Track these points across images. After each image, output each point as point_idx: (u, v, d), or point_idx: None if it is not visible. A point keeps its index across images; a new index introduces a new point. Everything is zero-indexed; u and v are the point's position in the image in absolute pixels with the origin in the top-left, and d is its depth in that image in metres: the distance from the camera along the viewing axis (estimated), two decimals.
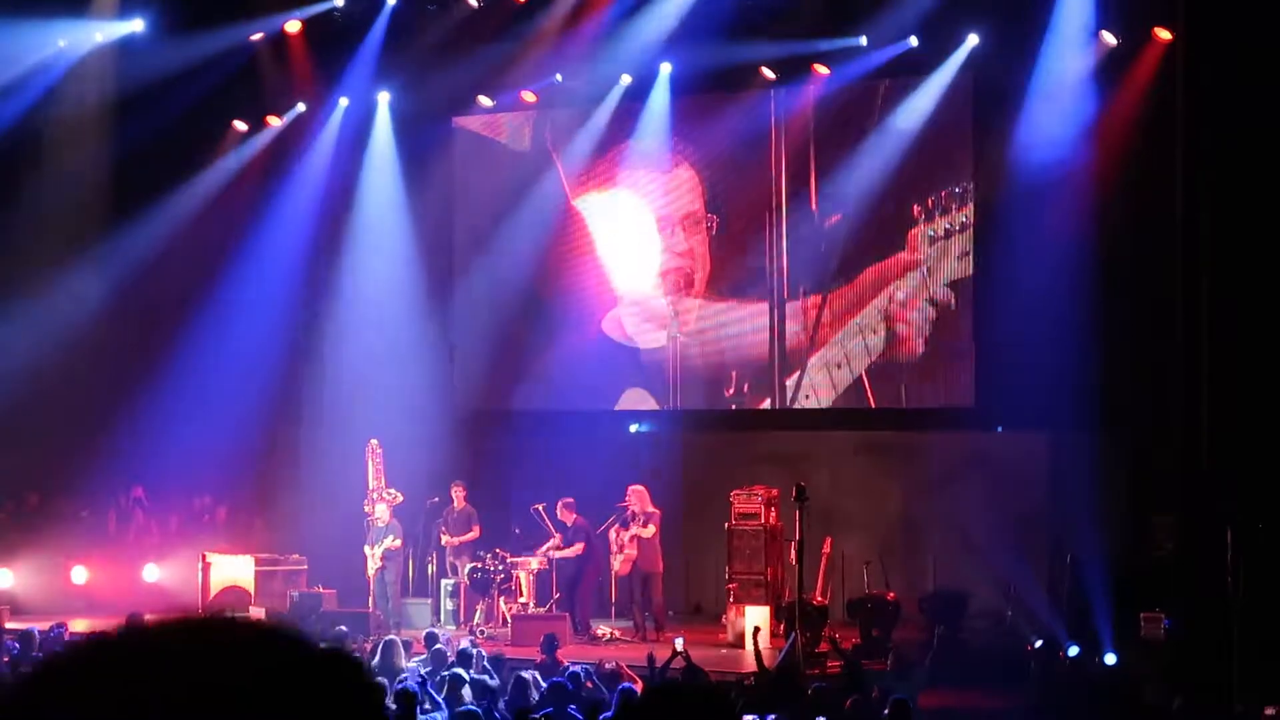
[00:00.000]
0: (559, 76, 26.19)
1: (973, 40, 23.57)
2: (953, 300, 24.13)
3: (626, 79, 25.87)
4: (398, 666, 17.37)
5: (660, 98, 25.74)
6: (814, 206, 25.02)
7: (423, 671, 17.11)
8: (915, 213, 24.29)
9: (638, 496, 23.21)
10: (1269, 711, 11.08)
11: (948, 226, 24.15)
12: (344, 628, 20.16)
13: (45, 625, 20.02)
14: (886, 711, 14.02)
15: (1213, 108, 20.39)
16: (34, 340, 26.02)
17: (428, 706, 14.85)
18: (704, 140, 25.84)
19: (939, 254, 24.20)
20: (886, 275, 24.56)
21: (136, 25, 26.65)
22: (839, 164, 24.71)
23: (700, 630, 22.83)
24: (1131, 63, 22.43)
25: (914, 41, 23.99)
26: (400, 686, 14.57)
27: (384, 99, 27.20)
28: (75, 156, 26.52)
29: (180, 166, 27.05)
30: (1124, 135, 22.19)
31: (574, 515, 23.66)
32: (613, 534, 23.30)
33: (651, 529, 23.09)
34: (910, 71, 24.21)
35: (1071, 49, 22.78)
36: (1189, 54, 21.03)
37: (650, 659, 17.36)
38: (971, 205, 23.88)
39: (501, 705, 15.22)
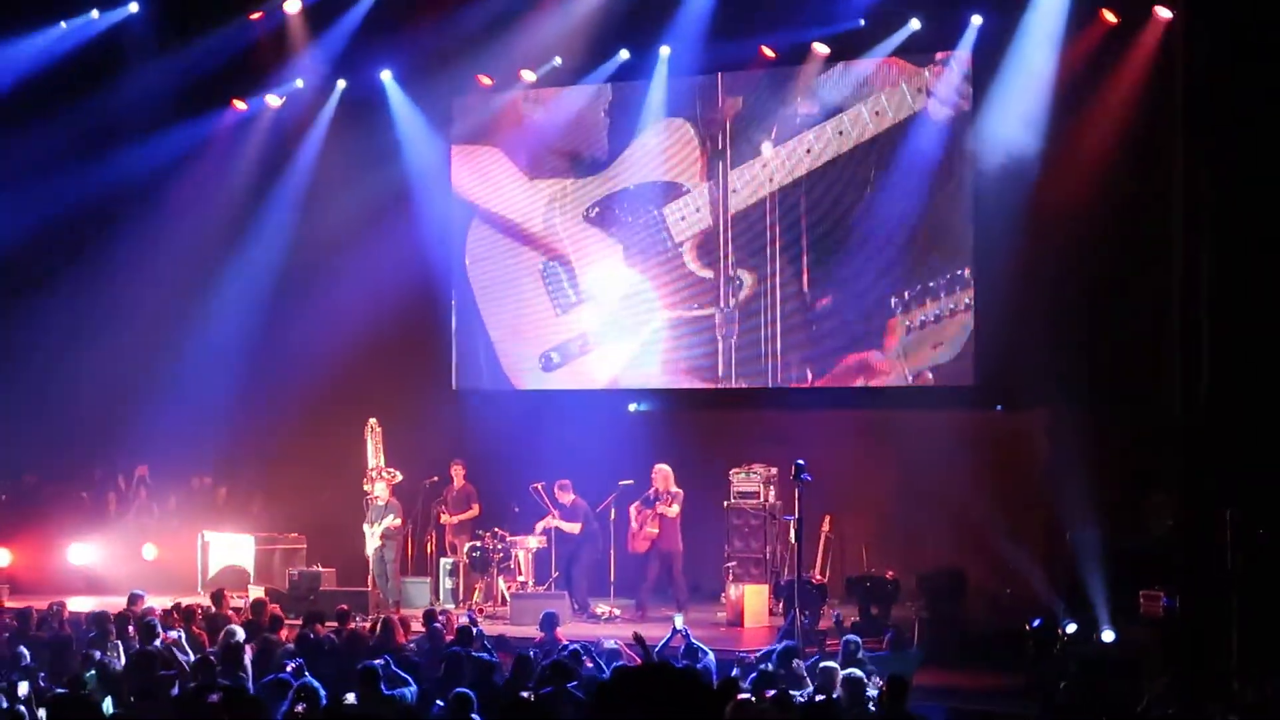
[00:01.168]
0: (558, 60, 26.18)
1: (976, 21, 23.55)
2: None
3: (624, 54, 25.84)
4: (397, 645, 17.39)
5: (659, 80, 25.72)
6: (805, 287, 25.11)
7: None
8: (894, 304, 24.37)
9: (662, 476, 23.14)
10: None
11: (924, 318, 24.21)
12: (345, 606, 20.17)
13: (44, 604, 20.03)
14: (883, 688, 14.03)
15: (1212, 86, 20.35)
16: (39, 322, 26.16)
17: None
18: (704, 113, 25.87)
19: (916, 344, 24.30)
20: (864, 367, 24.80)
21: (132, 7, 26.69)
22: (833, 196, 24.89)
23: (699, 608, 22.83)
24: (1131, 41, 22.43)
25: (916, 25, 23.99)
26: (364, 665, 14.57)
27: (382, 79, 27.13)
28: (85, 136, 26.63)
29: (181, 145, 27.02)
30: (1123, 112, 22.21)
31: (571, 495, 23.65)
32: (633, 511, 23.21)
33: (676, 509, 23.04)
34: (915, 50, 24.19)
35: (1071, 27, 22.80)
36: (1189, 33, 21.02)
37: (637, 637, 17.35)
38: (972, 289, 23.88)
39: (501, 683, 15.21)
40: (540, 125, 26.95)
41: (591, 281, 26.67)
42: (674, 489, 23.11)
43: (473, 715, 12.77)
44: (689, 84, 25.74)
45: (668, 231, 26.05)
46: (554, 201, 26.92)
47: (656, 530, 23.00)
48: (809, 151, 24.93)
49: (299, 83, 27.48)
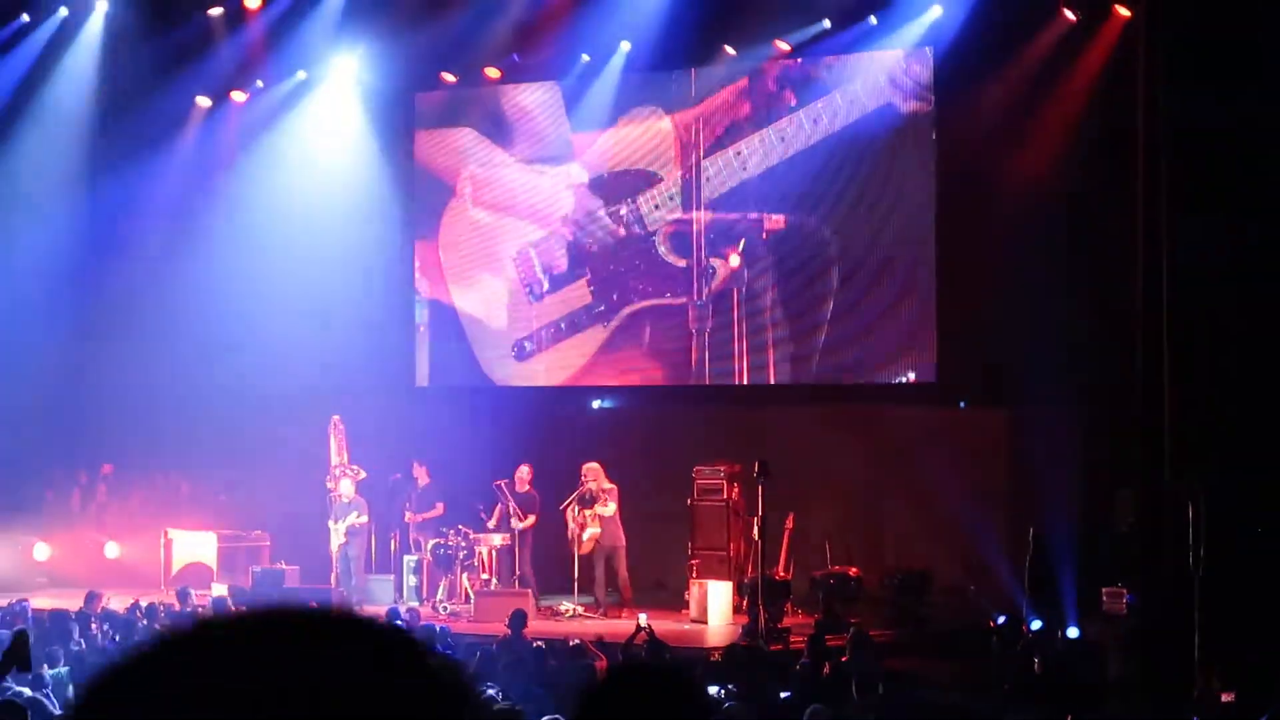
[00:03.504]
0: (515, 56, 26.17)
1: (936, 12, 23.59)
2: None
3: (585, 58, 25.91)
4: None
5: (630, 72, 25.69)
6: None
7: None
8: (859, 299, 24.47)
9: (593, 474, 23.17)
10: (1226, 698, 11.09)
11: (888, 313, 24.32)
12: (314, 604, 20.14)
13: (5, 601, 19.95)
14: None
15: (1174, 80, 20.47)
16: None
17: None
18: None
19: (878, 340, 24.42)
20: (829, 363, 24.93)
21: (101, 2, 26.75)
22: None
23: (663, 606, 22.85)
24: (1091, 38, 22.52)
25: (874, 21, 24.06)
26: None
27: (342, 73, 27.11)
28: (50, 134, 26.67)
29: (145, 143, 26.94)
30: (1085, 109, 22.30)
31: (528, 485, 23.72)
32: (571, 514, 23.23)
33: (612, 506, 23.05)
34: (879, 46, 24.24)
35: (1032, 25, 22.91)
36: (1149, 31, 21.12)
37: (597, 640, 17.44)
38: (935, 285, 23.91)
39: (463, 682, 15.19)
40: (513, 111, 26.89)
41: (565, 269, 26.62)
42: (607, 485, 23.15)
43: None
44: (662, 74, 25.68)
45: (641, 220, 26.03)
46: (529, 187, 26.86)
47: (599, 530, 23.03)
48: (783, 139, 24.94)
49: (259, 83, 27.46)
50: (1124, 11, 22.19)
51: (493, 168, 27.06)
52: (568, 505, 23.29)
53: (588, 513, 23.04)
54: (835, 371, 24.69)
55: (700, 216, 25.58)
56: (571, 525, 23.18)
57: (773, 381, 25.12)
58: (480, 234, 27.25)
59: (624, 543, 23.15)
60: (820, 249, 24.72)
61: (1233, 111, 19.98)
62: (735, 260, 25.18)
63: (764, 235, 25.05)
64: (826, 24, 24.20)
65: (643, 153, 26.02)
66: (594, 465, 23.22)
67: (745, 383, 25.33)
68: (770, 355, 25.08)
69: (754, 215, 25.11)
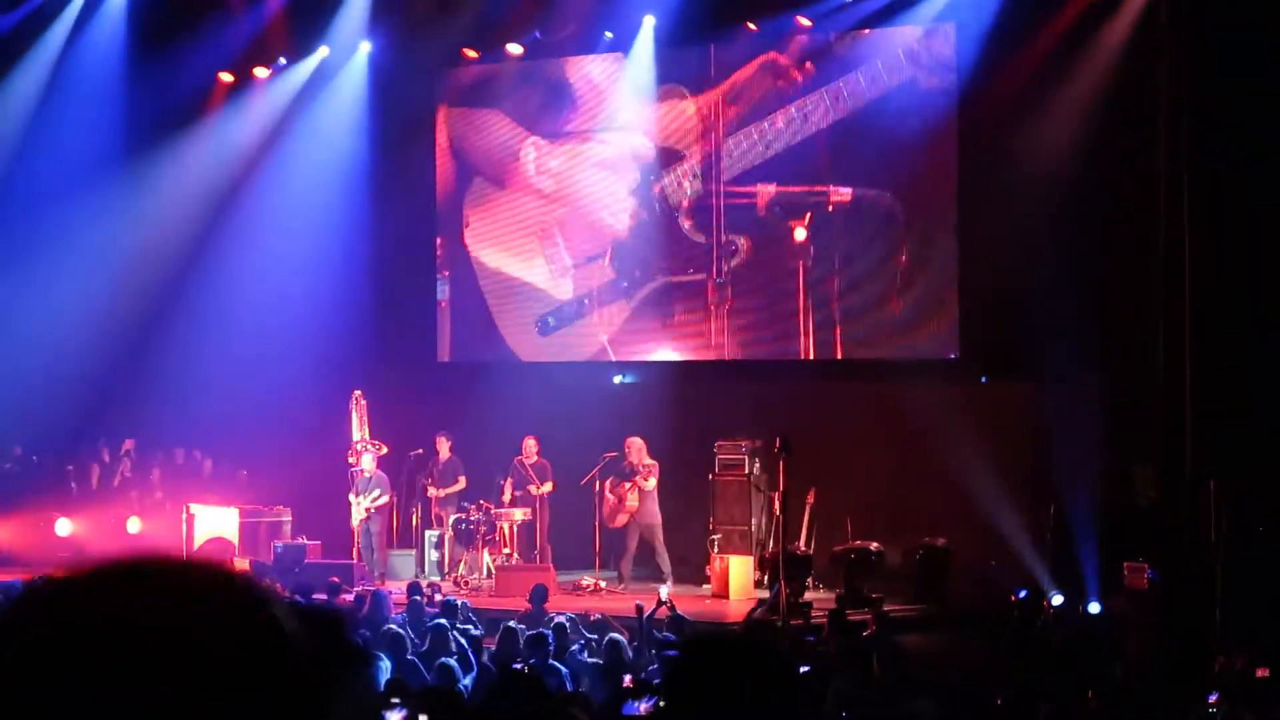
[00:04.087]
0: (537, 34, 26.17)
1: None
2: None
3: (608, 35, 25.93)
4: (386, 618, 17.40)
5: (653, 50, 25.67)
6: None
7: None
8: (881, 275, 24.45)
9: (636, 449, 23.19)
10: (1261, 673, 11.08)
11: (909, 289, 24.28)
12: (337, 579, 20.23)
13: (28, 577, 19.99)
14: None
15: (1195, 56, 20.43)
16: (24, 295, 26.19)
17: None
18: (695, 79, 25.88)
19: (901, 315, 24.40)
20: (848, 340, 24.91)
21: None
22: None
23: (685, 580, 22.89)
24: (1113, 14, 22.46)
25: None
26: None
27: (365, 49, 27.11)
28: (80, 113, 26.80)
29: (169, 121, 26.97)
30: (1107, 82, 22.22)
31: (536, 455, 23.82)
32: (607, 485, 23.26)
33: (653, 481, 23.09)
34: (901, 20, 24.20)
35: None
36: (1172, 6, 21.06)
37: (639, 608, 17.41)
38: (956, 259, 23.85)
39: (486, 657, 15.24)
40: (537, 90, 26.89)
41: (588, 245, 26.62)
42: (648, 461, 23.16)
43: (460, 684, 12.79)
44: (683, 52, 25.67)
45: (664, 197, 26.00)
46: (551, 164, 26.84)
47: (636, 504, 23.05)
48: (804, 117, 24.89)
49: (282, 60, 27.48)
50: None
51: (517, 145, 27.03)
52: (589, 479, 23.34)
53: (626, 485, 23.05)
54: (857, 346, 24.67)
55: (721, 193, 25.55)
56: (610, 496, 23.19)
57: (794, 358, 25.12)
58: (505, 211, 27.22)
59: (660, 520, 23.16)
60: (844, 220, 24.68)
61: (1256, 87, 19.95)
62: (801, 234, 25.08)
63: (829, 208, 24.96)
64: None
65: (664, 129, 26.00)
66: (637, 440, 23.24)
67: (759, 358, 25.36)
68: (789, 330, 25.08)
69: (820, 188, 24.98)
